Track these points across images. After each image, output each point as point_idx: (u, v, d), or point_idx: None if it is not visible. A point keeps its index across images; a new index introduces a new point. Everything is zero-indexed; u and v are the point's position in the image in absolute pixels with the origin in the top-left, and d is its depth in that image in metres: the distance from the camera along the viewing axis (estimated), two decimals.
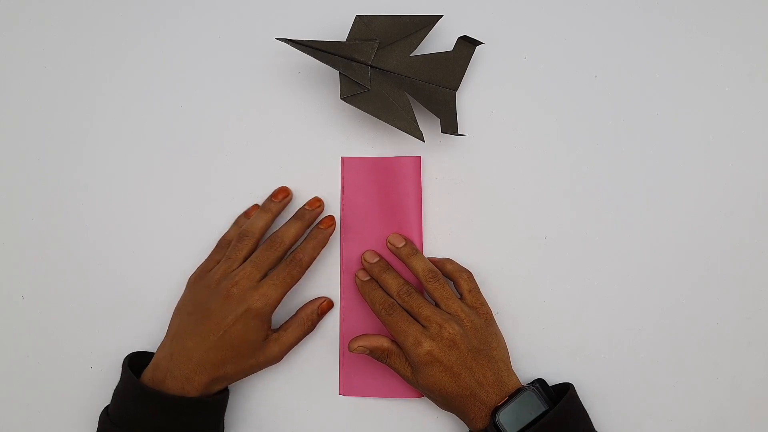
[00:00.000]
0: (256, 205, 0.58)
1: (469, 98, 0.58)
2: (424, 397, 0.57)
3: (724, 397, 0.57)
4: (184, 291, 0.56)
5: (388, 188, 0.58)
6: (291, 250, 0.55)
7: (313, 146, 0.58)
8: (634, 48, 0.58)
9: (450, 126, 0.56)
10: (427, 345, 0.51)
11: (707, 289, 0.58)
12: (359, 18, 0.53)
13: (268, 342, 0.54)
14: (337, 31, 0.57)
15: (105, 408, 0.53)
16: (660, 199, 0.58)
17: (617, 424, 0.57)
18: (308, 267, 0.55)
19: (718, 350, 0.58)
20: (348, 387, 0.58)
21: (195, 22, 0.58)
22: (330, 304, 0.57)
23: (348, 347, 0.54)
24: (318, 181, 0.58)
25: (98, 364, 0.58)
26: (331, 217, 0.57)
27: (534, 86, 0.58)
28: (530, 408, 0.51)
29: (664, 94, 0.58)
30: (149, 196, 0.58)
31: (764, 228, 0.58)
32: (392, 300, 0.54)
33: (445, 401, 0.53)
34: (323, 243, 0.56)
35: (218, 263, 0.55)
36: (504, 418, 0.51)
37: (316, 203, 0.57)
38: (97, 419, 0.53)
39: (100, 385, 0.58)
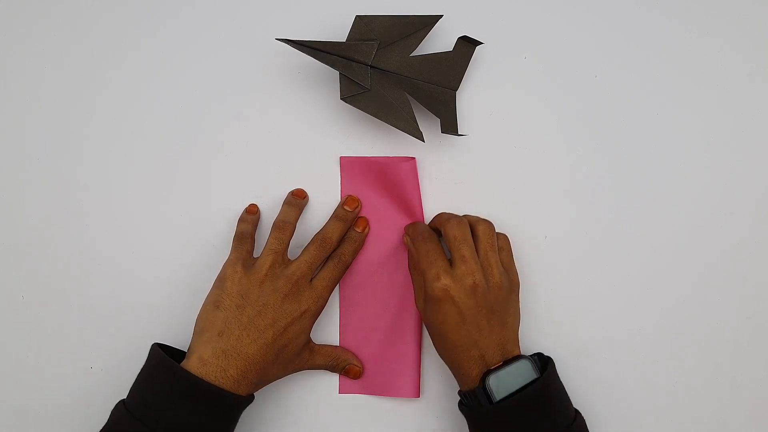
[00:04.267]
0: (254, 204, 0.58)
1: (469, 98, 0.58)
2: (424, 397, 0.57)
3: (724, 397, 0.57)
4: (221, 284, 0.53)
5: (388, 188, 0.58)
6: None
7: (313, 146, 0.58)
8: (634, 48, 0.58)
9: (450, 126, 0.56)
10: (445, 281, 0.50)
11: (707, 289, 0.58)
12: (359, 18, 0.53)
13: (305, 349, 0.55)
14: (337, 31, 0.57)
15: (120, 401, 0.50)
16: (660, 199, 0.58)
17: (617, 424, 0.57)
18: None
19: (718, 350, 0.58)
20: (348, 385, 0.58)
21: (195, 22, 0.58)
22: (357, 374, 0.57)
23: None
24: (318, 181, 0.58)
25: (98, 364, 0.58)
26: (365, 219, 0.57)
27: (534, 86, 0.58)
28: (523, 378, 0.49)
29: (664, 94, 0.58)
30: (149, 195, 0.58)
31: (764, 228, 0.58)
32: (433, 234, 0.54)
33: (445, 346, 0.52)
34: (361, 246, 0.57)
35: (250, 255, 0.54)
36: (494, 381, 0.49)
37: (354, 203, 0.57)
38: (97, 419, 0.51)
39: (100, 385, 0.58)
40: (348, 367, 0.57)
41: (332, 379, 0.58)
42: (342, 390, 0.58)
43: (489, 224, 0.54)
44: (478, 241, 0.53)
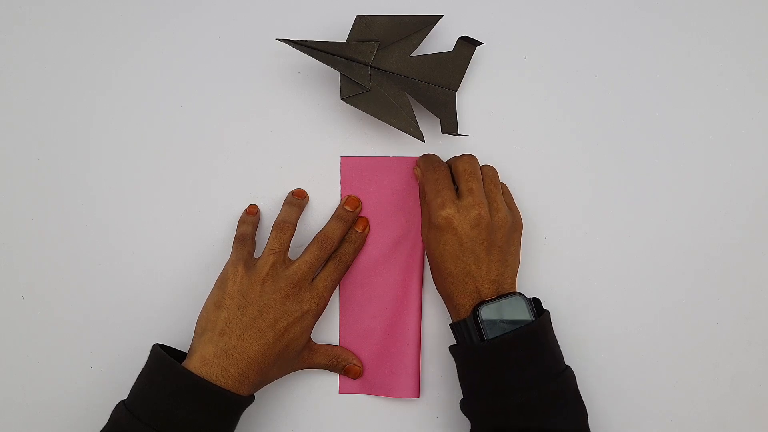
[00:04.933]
0: (254, 204, 0.58)
1: (469, 98, 0.58)
2: (424, 397, 0.57)
3: (724, 397, 0.57)
4: (222, 284, 0.53)
5: (388, 188, 0.58)
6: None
7: (313, 146, 0.58)
8: (634, 48, 0.58)
9: (450, 126, 0.56)
10: (450, 210, 0.51)
11: (707, 289, 0.58)
12: (359, 18, 0.53)
13: (305, 348, 0.55)
14: (337, 31, 0.57)
15: (121, 402, 0.50)
16: (660, 199, 0.58)
17: (617, 424, 0.57)
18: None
19: (718, 350, 0.58)
20: (348, 385, 0.58)
21: (195, 23, 0.58)
22: (357, 374, 0.57)
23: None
24: (318, 181, 0.58)
25: (98, 364, 0.58)
26: (365, 219, 0.57)
27: (534, 86, 0.58)
28: (515, 314, 0.50)
29: (664, 94, 0.58)
30: (149, 195, 0.58)
31: (764, 228, 0.58)
32: (443, 163, 0.54)
33: (442, 277, 0.52)
34: (362, 246, 0.57)
35: (251, 255, 0.54)
36: (486, 312, 0.49)
37: (355, 203, 0.57)
38: (97, 419, 0.52)
39: (100, 385, 0.58)
40: (348, 367, 0.57)
41: (332, 379, 0.58)
42: (342, 390, 0.58)
43: (494, 168, 0.55)
44: (483, 179, 0.54)
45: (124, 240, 0.58)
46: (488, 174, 0.54)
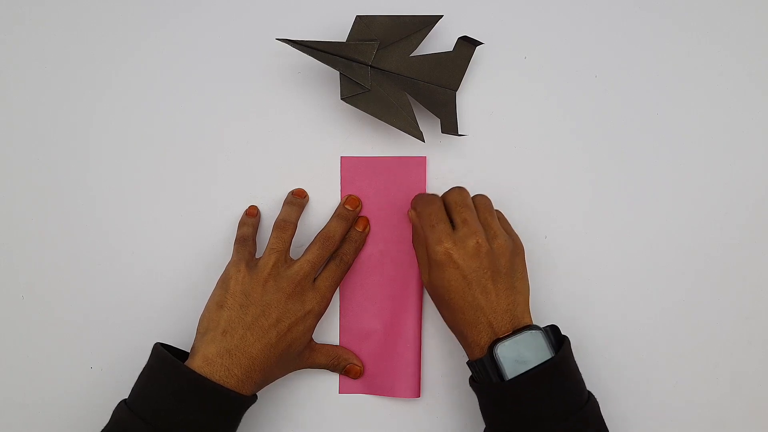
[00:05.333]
0: (254, 206, 0.58)
1: (469, 98, 0.58)
2: (424, 397, 0.57)
3: (724, 397, 0.57)
4: (224, 284, 0.53)
5: (388, 188, 0.58)
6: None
7: (313, 146, 0.58)
8: (634, 48, 0.58)
9: (450, 126, 0.56)
10: (447, 243, 0.50)
11: (707, 289, 0.58)
12: (359, 18, 0.53)
13: (306, 348, 0.55)
14: (337, 31, 0.57)
15: (122, 401, 0.50)
16: (660, 199, 0.58)
17: (617, 425, 0.57)
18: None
19: (718, 350, 0.58)
20: (348, 385, 0.58)
21: (195, 23, 0.58)
22: (358, 373, 0.57)
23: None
24: (318, 181, 0.58)
25: (98, 364, 0.58)
26: (365, 219, 0.57)
27: (534, 86, 0.58)
28: (534, 350, 0.47)
29: (664, 94, 0.58)
30: (149, 195, 0.58)
31: (764, 228, 0.58)
32: (437, 197, 0.54)
33: (451, 314, 0.51)
34: (362, 245, 0.57)
35: (253, 256, 0.54)
36: (503, 351, 0.47)
37: (355, 203, 0.57)
38: (97, 419, 0.52)
39: (100, 385, 0.58)
40: (348, 367, 0.57)
41: (332, 379, 0.58)
42: (342, 390, 0.58)
43: (486, 197, 0.55)
44: (477, 209, 0.53)
45: (124, 240, 0.58)
46: (481, 203, 0.54)
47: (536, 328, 0.49)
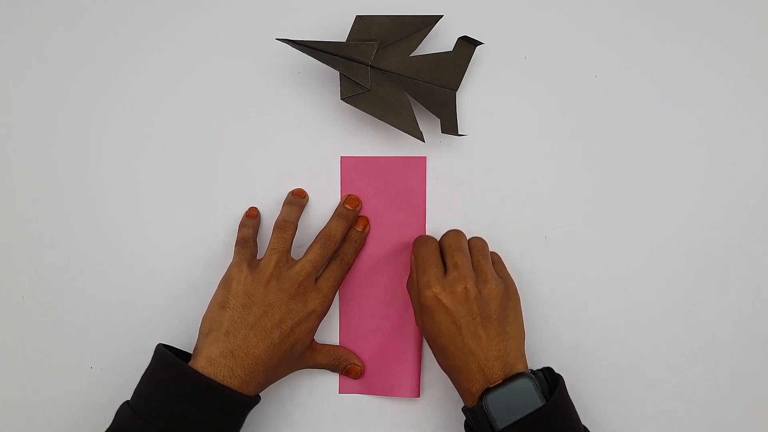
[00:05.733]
0: (254, 207, 0.58)
1: (469, 98, 0.58)
2: (424, 397, 0.57)
3: (724, 397, 0.57)
4: (227, 285, 0.53)
5: (388, 188, 0.58)
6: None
7: (313, 146, 0.58)
8: (634, 48, 0.58)
9: (450, 126, 0.56)
10: (436, 288, 0.50)
11: (707, 289, 0.58)
12: (359, 18, 0.53)
13: (307, 349, 0.55)
14: (337, 31, 0.57)
15: (125, 402, 0.50)
16: (660, 199, 0.58)
17: (617, 425, 0.57)
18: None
19: (718, 350, 0.58)
20: (348, 385, 0.58)
21: (195, 23, 0.58)
22: (358, 374, 0.57)
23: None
24: (318, 181, 0.58)
25: (98, 364, 0.58)
26: (365, 218, 0.57)
27: (534, 86, 0.58)
28: (524, 399, 0.47)
29: (664, 94, 0.58)
30: (149, 195, 0.58)
31: (764, 228, 0.58)
32: (433, 239, 0.54)
33: (444, 358, 0.51)
34: (362, 245, 0.57)
35: (254, 257, 0.54)
36: (492, 402, 0.47)
37: (355, 202, 0.57)
38: (97, 419, 0.52)
39: (100, 385, 0.58)
40: (349, 367, 0.57)
41: (332, 379, 0.58)
42: (342, 390, 0.58)
43: (482, 239, 0.55)
44: (471, 252, 0.53)
45: (124, 240, 0.58)
46: (476, 246, 0.54)
47: (528, 375, 0.48)
